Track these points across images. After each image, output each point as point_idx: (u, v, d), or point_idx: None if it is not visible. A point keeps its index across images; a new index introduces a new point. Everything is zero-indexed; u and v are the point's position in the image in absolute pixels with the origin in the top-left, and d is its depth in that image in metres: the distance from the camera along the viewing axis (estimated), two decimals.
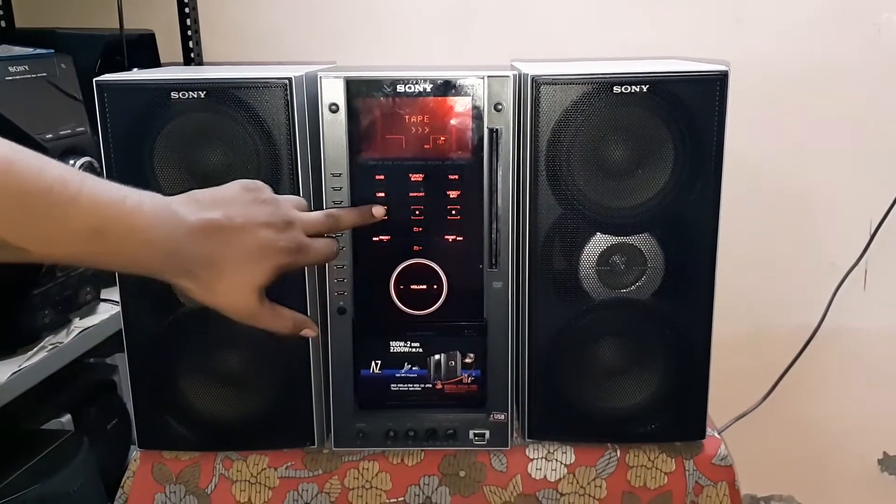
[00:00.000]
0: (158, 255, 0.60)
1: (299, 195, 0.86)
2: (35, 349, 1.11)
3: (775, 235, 1.56)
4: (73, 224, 0.53)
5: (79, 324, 1.20)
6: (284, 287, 0.88)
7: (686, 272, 0.90)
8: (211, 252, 0.63)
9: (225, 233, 0.64)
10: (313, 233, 0.74)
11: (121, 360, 1.38)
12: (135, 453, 0.97)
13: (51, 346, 1.13)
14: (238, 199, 0.68)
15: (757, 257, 1.56)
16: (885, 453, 1.66)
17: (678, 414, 0.94)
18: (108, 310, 1.25)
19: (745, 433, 1.58)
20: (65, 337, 1.16)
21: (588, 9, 1.49)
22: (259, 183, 0.71)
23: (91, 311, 1.24)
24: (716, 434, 0.98)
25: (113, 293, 1.13)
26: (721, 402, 1.04)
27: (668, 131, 0.85)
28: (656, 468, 0.95)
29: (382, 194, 0.88)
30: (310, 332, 0.76)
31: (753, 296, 1.57)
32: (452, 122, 0.86)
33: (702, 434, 0.95)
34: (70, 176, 0.54)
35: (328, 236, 0.78)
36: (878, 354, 1.61)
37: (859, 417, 1.63)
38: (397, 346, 0.91)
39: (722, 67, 0.85)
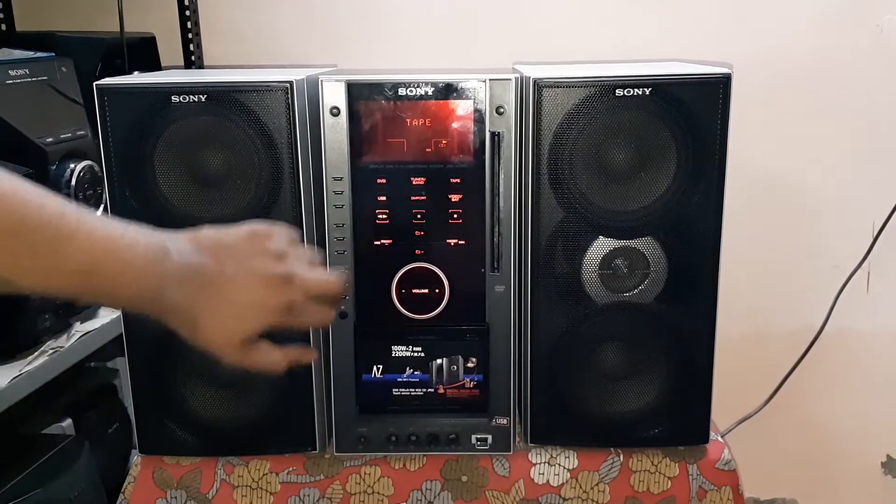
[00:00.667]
0: (147, 293, 0.59)
1: (300, 198, 0.86)
2: (36, 353, 1.11)
3: (778, 238, 1.56)
4: (65, 261, 0.53)
5: (79, 328, 1.20)
6: None
7: (689, 276, 0.89)
8: (192, 299, 0.62)
9: (211, 282, 0.62)
10: (315, 293, 0.68)
11: (122, 364, 1.37)
12: (136, 458, 0.97)
13: (51, 351, 1.12)
14: (239, 248, 0.65)
15: (759, 259, 1.55)
16: (888, 456, 1.66)
17: (681, 418, 0.93)
18: (108, 314, 1.24)
19: (748, 436, 1.57)
20: (65, 341, 1.16)
21: (590, 10, 1.48)
22: (273, 229, 0.67)
23: (92, 315, 1.23)
24: (719, 438, 0.98)
25: None
26: (724, 404, 1.04)
27: (671, 134, 0.85)
28: (660, 473, 0.94)
29: (384, 198, 0.87)
30: (309, 357, 0.75)
31: (756, 298, 1.57)
32: (454, 125, 0.86)
33: (705, 438, 0.95)
34: (68, 212, 0.53)
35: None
36: (881, 357, 1.60)
37: (863, 420, 1.62)
38: (399, 351, 0.91)
39: (725, 70, 0.84)
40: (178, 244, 0.62)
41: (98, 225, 0.55)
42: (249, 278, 0.64)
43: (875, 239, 1.52)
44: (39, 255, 0.52)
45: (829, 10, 1.46)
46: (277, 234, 0.67)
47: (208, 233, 0.65)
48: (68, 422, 1.26)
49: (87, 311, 1.22)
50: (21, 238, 0.51)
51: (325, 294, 0.69)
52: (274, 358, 0.67)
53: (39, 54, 1.15)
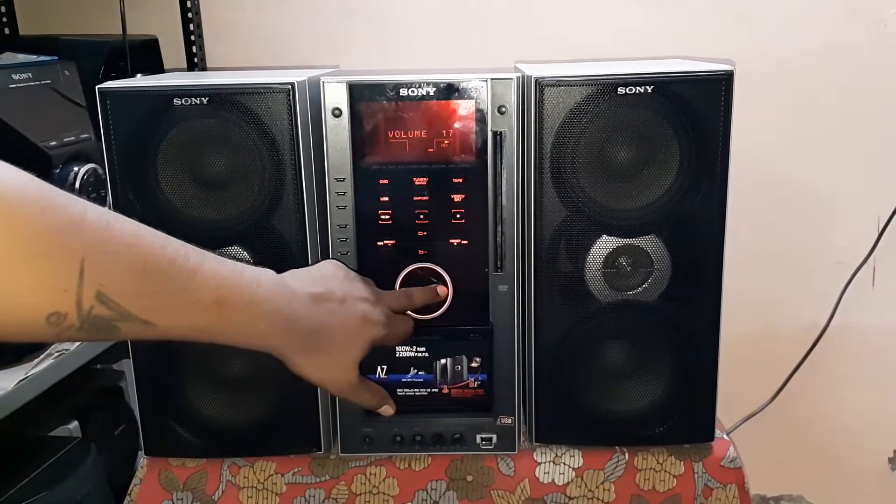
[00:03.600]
0: (278, 327, 0.63)
1: (303, 200, 0.86)
2: (41, 356, 1.11)
3: (782, 234, 1.55)
4: (195, 296, 0.55)
5: None
6: None
7: (693, 273, 0.89)
8: (325, 321, 0.68)
9: (333, 303, 0.69)
10: (395, 309, 0.80)
11: (127, 366, 1.38)
12: (142, 460, 0.97)
13: (57, 353, 1.13)
14: (335, 276, 0.73)
15: (764, 256, 1.55)
16: (895, 452, 1.65)
17: (686, 416, 0.93)
18: None
19: (754, 433, 1.57)
20: (71, 343, 1.16)
21: (591, 8, 1.48)
22: (342, 263, 0.76)
23: None
24: (724, 436, 0.97)
25: None
26: (729, 402, 1.04)
27: (674, 132, 0.85)
28: (665, 471, 0.94)
29: (386, 199, 0.87)
30: (388, 409, 0.82)
31: (761, 295, 1.56)
32: (456, 125, 0.86)
33: (710, 436, 0.94)
34: (191, 251, 0.56)
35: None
36: (887, 352, 1.60)
37: (869, 416, 1.62)
38: (403, 351, 0.91)
39: (727, 67, 0.84)
40: (290, 279, 0.67)
41: (219, 261, 0.58)
42: (356, 298, 0.72)
43: (880, 234, 1.52)
44: (167, 292, 0.53)
45: (831, 5, 1.45)
46: (364, 280, 0.77)
47: (301, 270, 0.72)
48: (74, 424, 1.26)
49: None
50: (149, 276, 0.52)
51: (399, 309, 0.82)
52: (373, 392, 0.79)
53: (43, 58, 1.16)
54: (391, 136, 0.86)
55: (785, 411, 1.60)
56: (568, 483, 0.94)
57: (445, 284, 0.89)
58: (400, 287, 0.89)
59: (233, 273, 0.59)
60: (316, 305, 0.67)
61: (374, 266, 0.89)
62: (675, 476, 0.94)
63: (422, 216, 0.88)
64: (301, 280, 0.68)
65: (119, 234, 0.51)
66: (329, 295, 0.69)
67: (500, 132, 0.86)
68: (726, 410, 1.00)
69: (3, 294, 0.45)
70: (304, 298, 0.66)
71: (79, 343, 1.16)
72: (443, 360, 0.91)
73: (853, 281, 1.54)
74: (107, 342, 1.21)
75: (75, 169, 1.09)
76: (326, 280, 0.71)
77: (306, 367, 0.68)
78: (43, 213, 0.46)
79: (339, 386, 0.72)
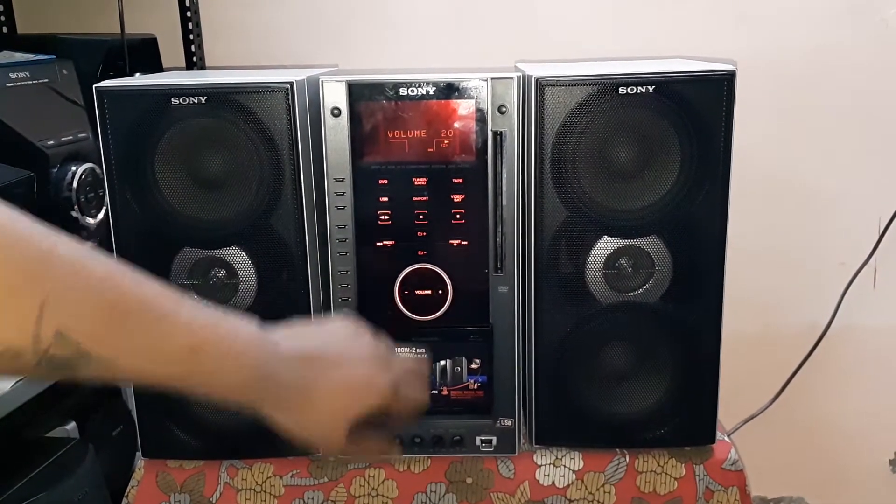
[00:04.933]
0: (253, 380, 0.59)
1: (302, 200, 0.85)
2: None
3: (784, 234, 1.55)
4: (168, 341, 0.53)
5: None
6: (289, 296, 0.88)
7: (694, 275, 0.88)
8: (310, 381, 0.62)
9: (322, 363, 0.63)
10: (407, 378, 0.70)
11: None
12: (139, 462, 0.96)
13: None
14: (337, 333, 0.67)
15: (765, 256, 1.54)
16: None
17: (688, 418, 0.93)
18: None
19: (754, 435, 1.57)
20: None
21: (592, 8, 1.48)
22: (355, 319, 0.69)
23: None
24: (726, 438, 0.97)
25: None
26: (730, 403, 1.03)
27: (675, 132, 0.84)
28: (666, 473, 0.94)
29: (386, 199, 0.87)
30: (395, 452, 0.79)
31: (762, 295, 1.56)
32: (456, 125, 0.85)
33: (712, 439, 0.94)
34: (167, 295, 0.53)
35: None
36: (889, 353, 1.59)
37: (870, 417, 1.61)
38: (402, 352, 0.90)
39: (729, 67, 0.83)
40: (277, 335, 0.62)
41: (198, 308, 0.55)
42: (357, 359, 0.65)
43: (881, 235, 1.51)
44: (138, 333, 0.51)
45: (832, 5, 1.45)
46: (377, 340, 0.68)
47: (304, 326, 0.66)
48: (72, 425, 1.25)
49: None
50: (117, 317, 0.50)
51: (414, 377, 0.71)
52: (369, 450, 0.69)
53: (40, 57, 1.15)
54: (391, 135, 0.85)
55: (786, 413, 1.59)
56: (568, 485, 0.94)
57: (444, 286, 0.89)
58: (400, 288, 0.88)
59: (210, 321, 0.56)
60: (302, 364, 0.62)
61: (372, 266, 0.88)
62: (676, 478, 0.94)
63: (421, 216, 0.87)
64: (292, 336, 0.63)
65: (89, 270, 0.48)
66: (321, 355, 0.64)
67: (501, 132, 0.85)
68: (727, 412, 1.00)
69: None
70: (287, 355, 0.61)
71: None
72: (442, 362, 0.91)
73: (854, 282, 1.53)
74: None
75: (73, 168, 1.08)
76: (325, 338, 0.66)
77: (285, 423, 0.62)
78: (7, 245, 0.44)
79: (325, 444, 0.66)
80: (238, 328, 0.58)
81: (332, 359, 0.64)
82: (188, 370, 0.55)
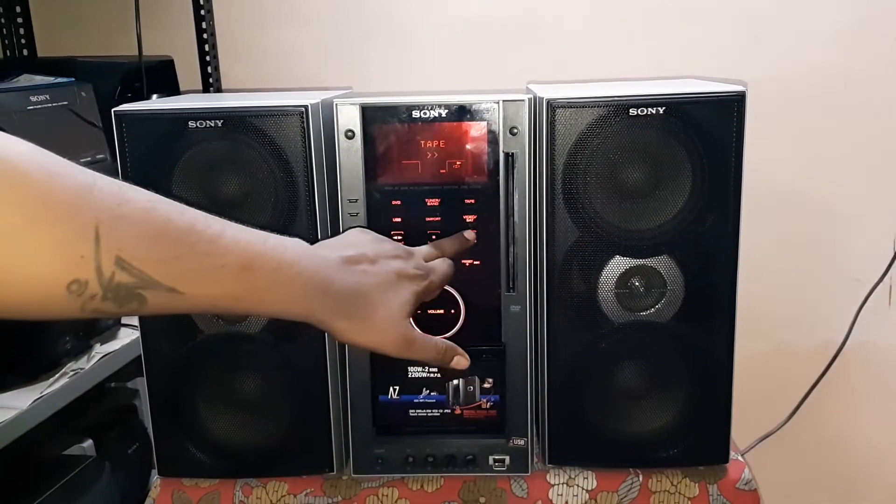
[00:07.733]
0: (313, 291, 0.61)
1: (316, 221, 0.86)
2: (56, 375, 1.12)
3: (798, 252, 1.55)
4: (219, 261, 0.54)
5: (100, 349, 1.21)
6: None
7: (707, 294, 0.89)
8: (361, 282, 0.66)
9: (366, 263, 0.67)
10: (428, 260, 0.78)
11: (142, 384, 1.38)
12: (155, 480, 0.97)
13: (72, 373, 1.14)
14: (363, 239, 0.72)
15: (779, 274, 1.54)
16: None
17: (701, 438, 0.92)
18: (128, 335, 1.25)
19: (769, 454, 1.56)
20: (86, 363, 1.17)
21: (602, 29, 1.49)
22: (367, 228, 0.76)
23: (112, 337, 1.24)
24: (739, 457, 0.97)
25: (133, 318, 1.14)
26: (744, 422, 1.03)
27: (686, 153, 0.85)
28: (679, 493, 0.93)
29: (399, 219, 0.88)
30: (462, 361, 0.76)
31: (776, 313, 1.55)
32: (468, 146, 0.86)
33: (725, 458, 0.94)
34: (211, 218, 0.55)
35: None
36: None
37: (886, 437, 1.60)
38: (415, 372, 0.91)
39: (739, 88, 0.84)
40: (318, 246, 0.66)
41: (241, 229, 0.57)
42: (387, 257, 0.71)
43: None
44: (190, 256, 0.52)
45: (845, 24, 1.45)
46: (392, 240, 0.76)
47: (329, 240, 0.72)
48: (89, 443, 1.27)
49: (107, 333, 1.23)
50: (168, 241, 0.51)
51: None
52: (434, 343, 0.73)
53: (60, 80, 1.17)
54: (404, 157, 0.86)
55: (800, 432, 1.58)
56: None
57: (457, 305, 0.89)
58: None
59: (257, 239, 0.57)
60: (349, 267, 0.65)
61: None
62: (689, 498, 0.93)
63: (434, 237, 0.88)
64: (330, 246, 0.68)
65: (133, 199, 0.50)
66: (361, 256, 0.67)
67: (512, 153, 0.86)
68: (741, 431, 1.00)
69: (18, 263, 0.44)
70: (335, 262, 0.64)
71: (94, 362, 1.17)
72: (455, 381, 0.91)
73: (869, 299, 1.53)
74: (119, 362, 1.21)
75: None
76: (355, 244, 0.70)
77: (351, 333, 0.65)
78: (50, 177, 0.45)
79: (395, 345, 0.68)
80: (285, 242, 0.60)
81: (369, 258, 0.68)
82: (244, 288, 0.56)
